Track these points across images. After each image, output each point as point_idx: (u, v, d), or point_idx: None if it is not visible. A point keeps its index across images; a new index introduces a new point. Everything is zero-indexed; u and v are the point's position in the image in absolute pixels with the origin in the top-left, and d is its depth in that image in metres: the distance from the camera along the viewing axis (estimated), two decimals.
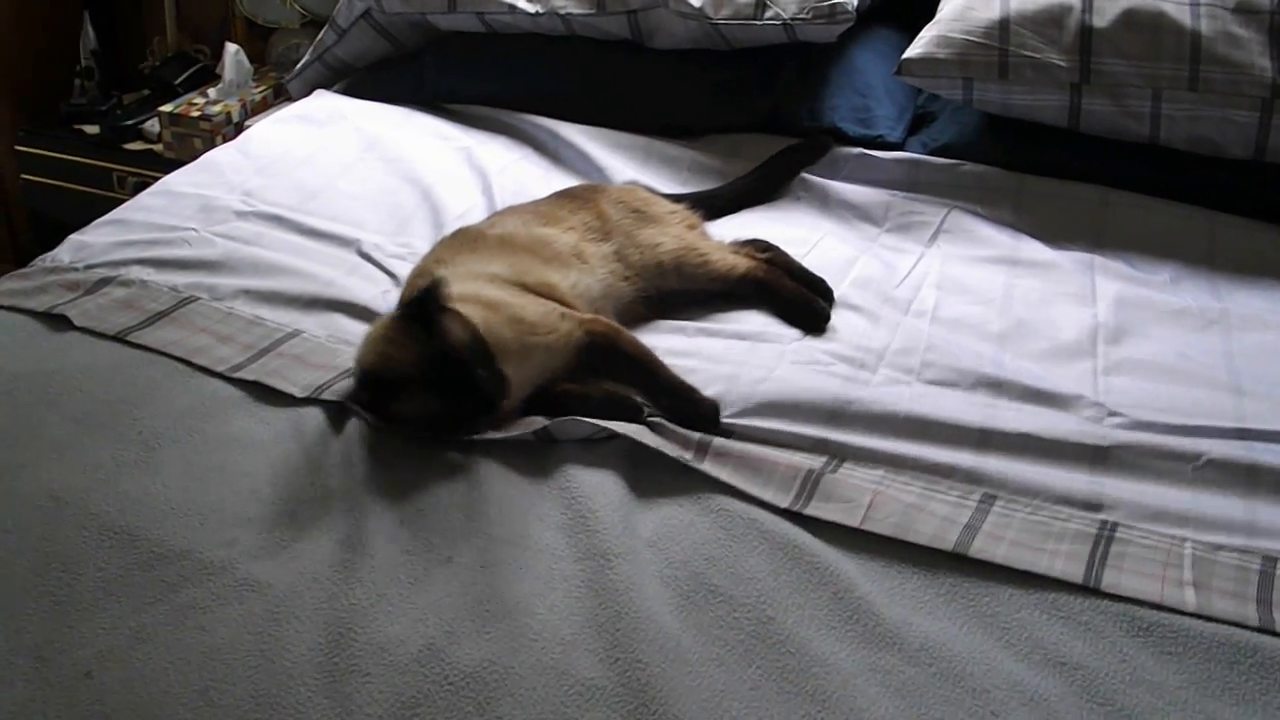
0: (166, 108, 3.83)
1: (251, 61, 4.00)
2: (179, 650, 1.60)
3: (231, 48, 3.87)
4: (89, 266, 2.45)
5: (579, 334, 2.10)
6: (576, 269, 2.27)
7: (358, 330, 2.26)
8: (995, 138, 2.87)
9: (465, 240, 2.33)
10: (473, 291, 2.08)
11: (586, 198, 2.49)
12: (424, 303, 1.93)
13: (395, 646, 1.59)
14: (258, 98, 3.89)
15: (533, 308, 2.11)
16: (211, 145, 3.40)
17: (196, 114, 3.78)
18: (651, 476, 1.90)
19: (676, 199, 2.63)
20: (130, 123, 3.98)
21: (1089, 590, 1.71)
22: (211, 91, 3.89)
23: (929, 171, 2.84)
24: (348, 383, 2.04)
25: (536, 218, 2.39)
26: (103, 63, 4.22)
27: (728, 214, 2.70)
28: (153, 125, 3.92)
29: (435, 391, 1.93)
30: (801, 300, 2.32)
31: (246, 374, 2.13)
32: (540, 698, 1.52)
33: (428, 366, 1.92)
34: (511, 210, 2.50)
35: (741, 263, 2.39)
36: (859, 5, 2.97)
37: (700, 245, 2.42)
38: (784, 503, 1.85)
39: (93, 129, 4.06)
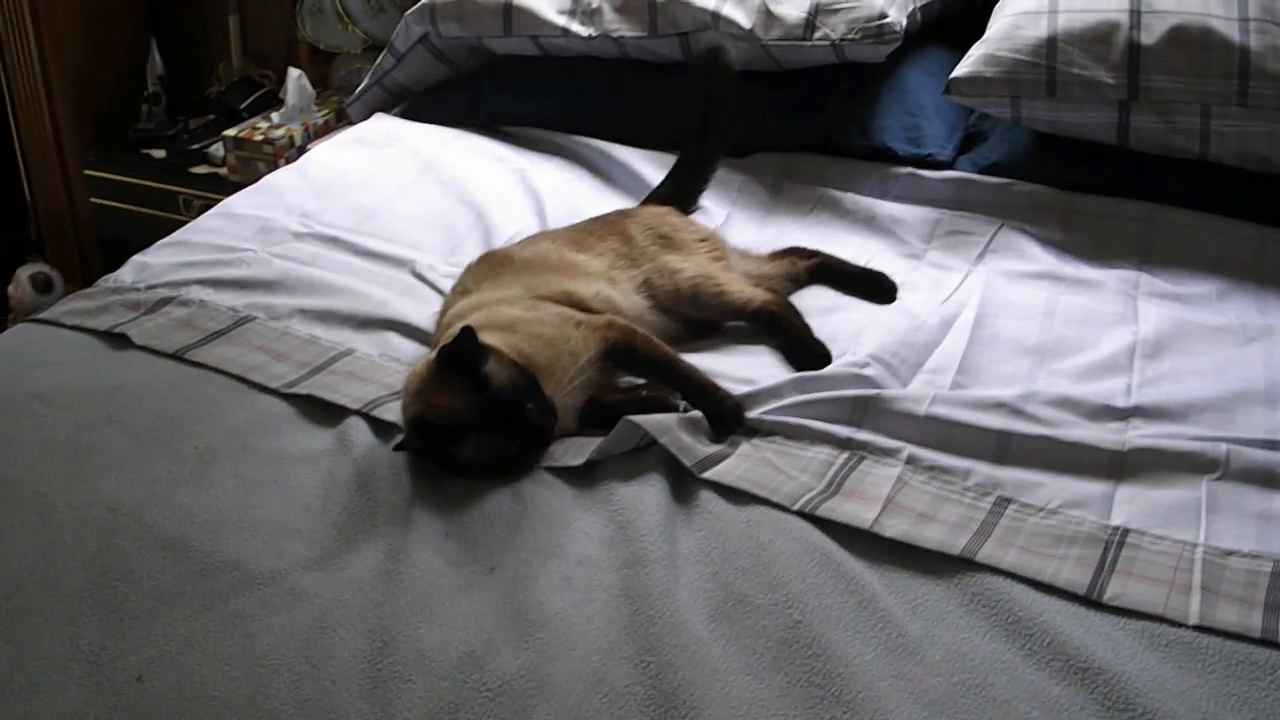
0: (231, 132, 3.91)
1: (314, 86, 4.07)
2: (227, 656, 1.65)
3: (294, 73, 3.94)
4: (150, 287, 2.51)
5: (595, 338, 2.10)
6: (603, 283, 2.30)
7: (409, 349, 2.32)
8: (1045, 155, 2.88)
9: (491, 265, 2.36)
10: (488, 317, 2.11)
11: (615, 222, 2.50)
12: (459, 356, 1.94)
13: (436, 654, 1.63)
14: (320, 121, 3.96)
15: (548, 319, 2.12)
16: (275, 168, 3.45)
17: (260, 138, 3.86)
18: (689, 485, 1.92)
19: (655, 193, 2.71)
20: (195, 147, 4.08)
21: (1093, 602, 1.72)
22: (275, 116, 3.97)
23: (978, 190, 2.84)
24: (406, 437, 2.00)
25: (568, 243, 2.41)
26: (170, 88, 4.31)
27: (700, 188, 2.77)
28: (217, 149, 4.01)
29: (491, 434, 1.94)
30: (807, 341, 2.31)
31: (300, 389, 2.17)
32: (575, 704, 1.55)
33: (480, 414, 1.93)
34: (544, 235, 2.54)
35: (758, 295, 2.38)
36: (908, 25, 2.99)
37: (719, 275, 2.40)
38: (794, 504, 1.87)
39: (159, 153, 4.16)
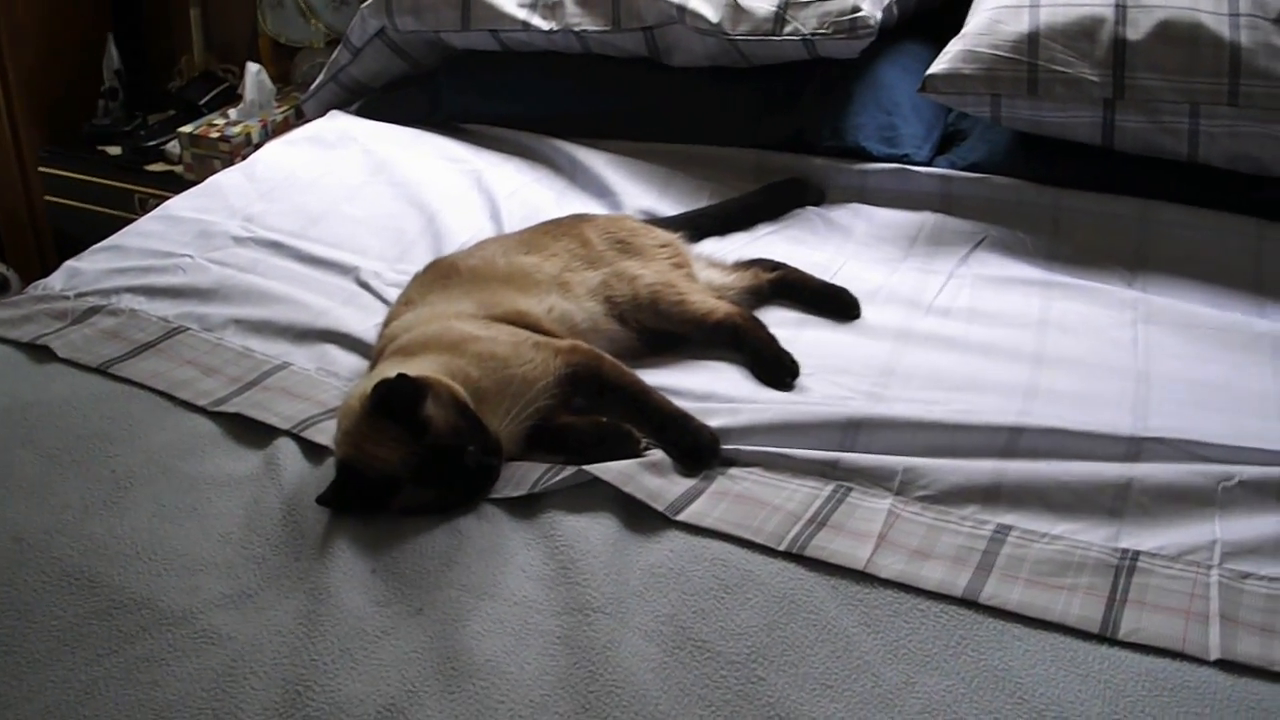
0: (186, 129, 3.79)
1: (277, 81, 3.94)
2: (127, 707, 1.52)
3: (253, 68, 3.81)
4: (79, 294, 2.39)
5: (557, 363, 1.96)
6: (556, 295, 2.16)
7: (349, 363, 2.19)
8: (1027, 157, 2.75)
9: (438, 275, 2.23)
10: (435, 333, 1.98)
11: (571, 225, 2.37)
12: (392, 406, 1.79)
13: (353, 706, 1.49)
14: (279, 118, 3.83)
15: (503, 340, 1.98)
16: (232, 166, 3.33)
17: (216, 135, 3.73)
18: (645, 519, 1.78)
19: (665, 223, 2.53)
20: (152, 144, 3.95)
21: (1107, 639, 1.59)
22: (232, 112, 3.84)
23: (961, 189, 2.72)
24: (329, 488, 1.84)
25: (519, 246, 2.28)
26: (129, 83, 4.18)
27: (716, 235, 2.61)
28: (174, 146, 3.87)
29: (430, 481, 1.80)
30: (773, 353, 2.16)
31: (229, 407, 2.05)
32: None
33: (419, 463, 1.78)
34: (494, 240, 2.41)
35: (720, 307, 2.23)
36: (883, 20, 2.86)
37: (680, 284, 2.26)
38: (780, 544, 1.73)
39: (115, 150, 4.02)
